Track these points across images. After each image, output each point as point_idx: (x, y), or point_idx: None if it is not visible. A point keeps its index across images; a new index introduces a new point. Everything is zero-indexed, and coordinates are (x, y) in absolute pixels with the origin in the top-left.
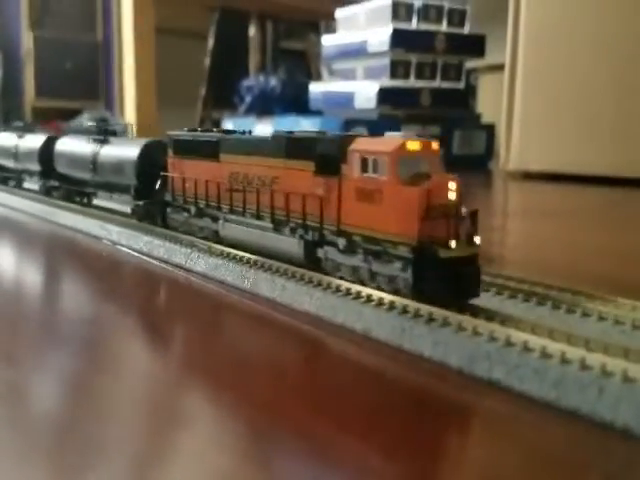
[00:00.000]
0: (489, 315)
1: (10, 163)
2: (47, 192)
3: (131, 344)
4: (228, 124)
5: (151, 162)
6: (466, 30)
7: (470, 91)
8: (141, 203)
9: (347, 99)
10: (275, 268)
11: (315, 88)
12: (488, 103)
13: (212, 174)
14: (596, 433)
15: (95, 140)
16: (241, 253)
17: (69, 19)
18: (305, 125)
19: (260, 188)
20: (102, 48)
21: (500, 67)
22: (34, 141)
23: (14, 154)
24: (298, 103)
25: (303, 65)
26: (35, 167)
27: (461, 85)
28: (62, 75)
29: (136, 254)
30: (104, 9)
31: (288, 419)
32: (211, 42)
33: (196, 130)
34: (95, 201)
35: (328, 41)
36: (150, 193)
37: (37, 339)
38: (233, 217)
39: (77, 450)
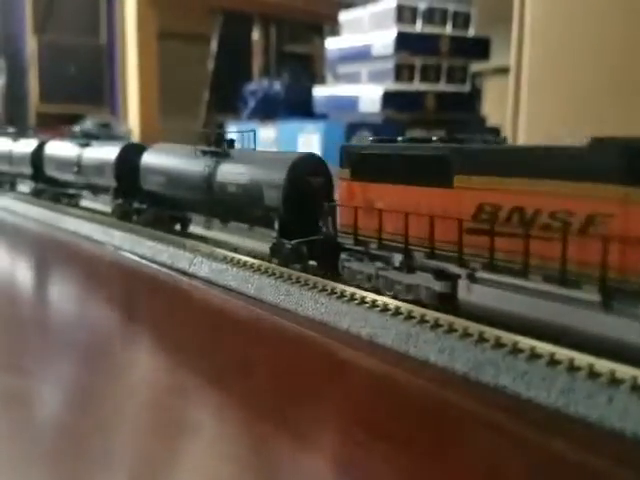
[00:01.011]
0: None
1: (70, 177)
2: (124, 215)
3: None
4: (232, 128)
5: (301, 185)
6: (471, 33)
7: (475, 94)
8: (292, 243)
9: (351, 103)
10: (279, 273)
11: (319, 92)
12: (493, 106)
13: (437, 206)
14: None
15: (208, 153)
16: (245, 258)
17: (73, 24)
18: (310, 129)
19: (566, 233)
20: (106, 53)
21: (505, 70)
22: (105, 152)
23: (75, 167)
24: (302, 107)
25: (307, 69)
26: (107, 183)
27: (466, 88)
28: (66, 80)
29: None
30: (108, 13)
31: (290, 426)
32: (214, 46)
33: (393, 140)
34: (191, 228)
35: (332, 45)
36: (302, 228)
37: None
38: (492, 277)
39: (80, 458)
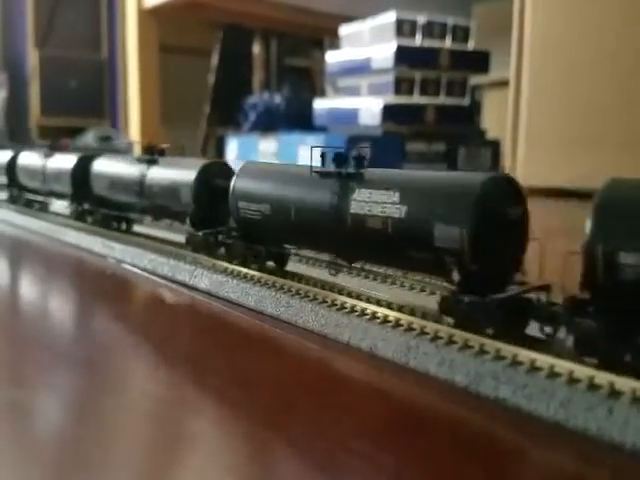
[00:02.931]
0: None
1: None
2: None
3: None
4: (232, 141)
5: None
6: (470, 46)
7: (475, 107)
8: None
9: (351, 116)
10: (279, 285)
11: (319, 105)
12: (493, 119)
13: None
14: None
15: None
16: (245, 270)
17: (74, 38)
18: (310, 142)
19: None
20: (107, 66)
21: (505, 83)
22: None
23: (291, 212)
24: (302, 120)
25: (307, 82)
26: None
27: (466, 101)
28: (67, 93)
29: None
30: (109, 28)
31: (290, 437)
32: (215, 60)
33: None
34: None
35: (332, 58)
36: None
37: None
38: None
39: (80, 470)
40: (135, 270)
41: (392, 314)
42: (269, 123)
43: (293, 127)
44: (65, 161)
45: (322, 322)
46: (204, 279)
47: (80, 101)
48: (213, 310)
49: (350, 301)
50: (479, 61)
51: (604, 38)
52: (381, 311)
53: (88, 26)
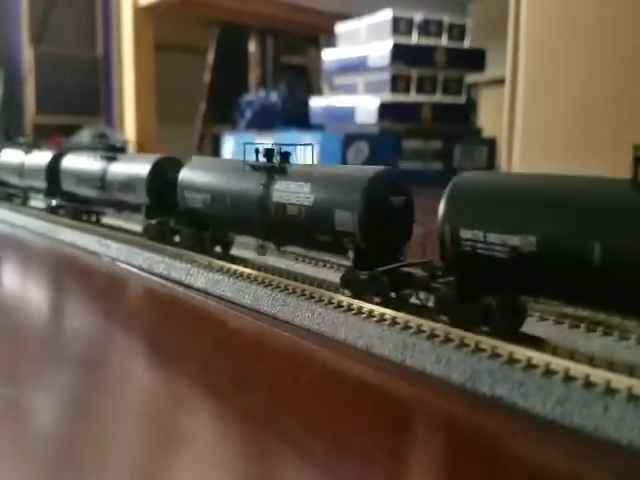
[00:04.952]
0: None
1: None
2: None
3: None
4: (228, 139)
5: None
6: (466, 44)
7: (471, 105)
8: None
9: (348, 114)
10: (276, 284)
11: (316, 103)
12: (489, 117)
13: None
14: None
15: None
16: (242, 268)
17: (70, 35)
18: (306, 140)
19: None
20: (102, 64)
21: (501, 81)
22: None
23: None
24: (299, 118)
25: (304, 80)
26: None
27: (462, 99)
28: (63, 91)
29: None
30: (104, 25)
31: (288, 437)
32: (211, 57)
33: None
34: None
35: (329, 56)
36: None
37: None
38: None
39: (76, 469)
40: (130, 268)
41: (389, 312)
42: (265, 121)
43: (289, 125)
44: None
45: (318, 320)
46: (200, 277)
47: (75, 99)
48: (209, 309)
49: (346, 299)
50: (475, 59)
51: (601, 36)
52: (377, 309)
53: (83, 23)
